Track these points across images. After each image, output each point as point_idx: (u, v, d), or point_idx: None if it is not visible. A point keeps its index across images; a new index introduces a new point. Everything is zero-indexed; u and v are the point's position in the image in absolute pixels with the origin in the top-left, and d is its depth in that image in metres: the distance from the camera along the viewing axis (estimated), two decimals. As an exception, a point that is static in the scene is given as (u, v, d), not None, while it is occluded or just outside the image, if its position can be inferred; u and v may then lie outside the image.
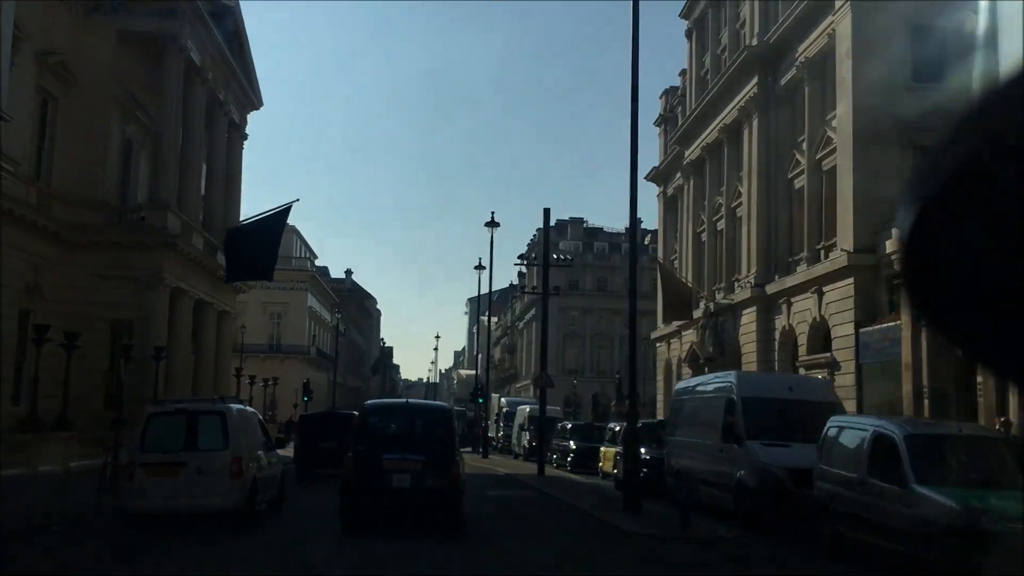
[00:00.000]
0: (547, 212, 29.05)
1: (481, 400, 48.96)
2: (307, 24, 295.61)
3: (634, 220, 19.85)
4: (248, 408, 18.16)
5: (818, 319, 30.52)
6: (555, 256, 45.68)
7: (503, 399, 58.61)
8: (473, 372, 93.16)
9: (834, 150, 30.53)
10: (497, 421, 51.20)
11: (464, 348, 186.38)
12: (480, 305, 72.98)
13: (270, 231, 34.59)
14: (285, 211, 34.85)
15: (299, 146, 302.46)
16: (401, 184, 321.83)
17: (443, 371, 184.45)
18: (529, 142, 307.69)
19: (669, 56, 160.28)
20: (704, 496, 16.86)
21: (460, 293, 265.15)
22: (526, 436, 41.77)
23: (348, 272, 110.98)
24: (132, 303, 31.58)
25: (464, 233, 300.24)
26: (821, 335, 30.84)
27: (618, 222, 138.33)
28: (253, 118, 45.65)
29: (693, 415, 18.85)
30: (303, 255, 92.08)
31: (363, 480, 13.77)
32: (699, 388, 19.25)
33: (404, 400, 20.06)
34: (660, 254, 50.53)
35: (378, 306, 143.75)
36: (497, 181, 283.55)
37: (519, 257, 37.53)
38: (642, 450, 22.80)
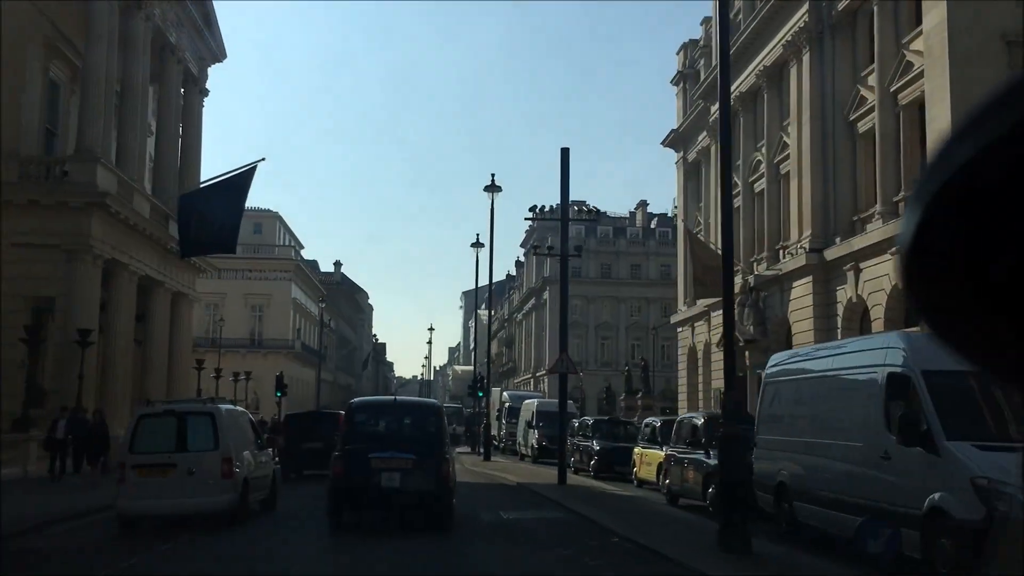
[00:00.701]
0: (565, 152, 23.12)
1: (482, 394, 42.99)
2: (303, 10, 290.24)
3: (728, 178, 15.15)
4: (238, 408, 17.81)
5: (900, 286, 24.72)
6: (576, 206, 39.81)
7: (505, 393, 52.81)
8: (470, 368, 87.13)
9: (916, 78, 25.01)
10: (499, 418, 45.42)
11: (459, 344, 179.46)
12: (477, 297, 67.00)
13: (231, 196, 28.91)
14: (249, 172, 28.98)
15: (288, 138, 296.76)
16: (394, 177, 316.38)
17: (437, 367, 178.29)
18: (526, 128, 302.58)
19: (685, 11, 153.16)
20: (839, 526, 11.01)
21: (454, 289, 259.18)
22: (534, 435, 36.10)
23: (337, 264, 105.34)
24: (55, 277, 25.72)
25: (458, 229, 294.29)
26: (903, 306, 25.07)
27: (621, 206, 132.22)
28: (234, 105, 39.80)
29: (810, 402, 12.70)
30: (287, 243, 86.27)
31: (351, 479, 13.49)
32: (821, 361, 12.93)
33: (392, 397, 19.61)
34: (680, 225, 44.59)
35: (370, 301, 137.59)
36: (493, 170, 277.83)
37: (530, 209, 31.63)
38: (707, 454, 17.11)
